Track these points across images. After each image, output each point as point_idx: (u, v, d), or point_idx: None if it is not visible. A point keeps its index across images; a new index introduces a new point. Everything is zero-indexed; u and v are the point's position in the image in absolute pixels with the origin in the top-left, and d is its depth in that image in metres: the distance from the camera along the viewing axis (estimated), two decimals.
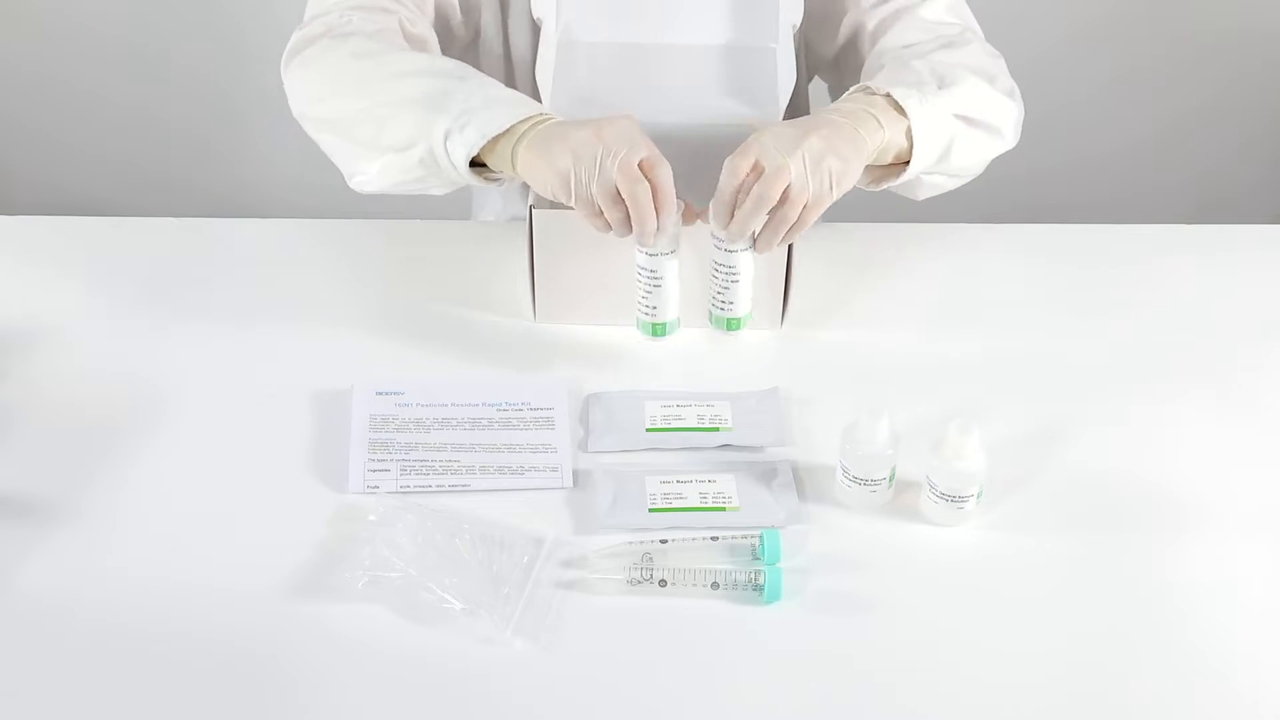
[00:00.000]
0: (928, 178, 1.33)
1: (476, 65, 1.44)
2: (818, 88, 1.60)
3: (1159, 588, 1.17)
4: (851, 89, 1.30)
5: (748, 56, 1.44)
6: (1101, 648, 1.13)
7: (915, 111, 1.26)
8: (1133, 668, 1.11)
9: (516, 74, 1.51)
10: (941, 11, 1.43)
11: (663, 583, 1.15)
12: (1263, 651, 1.13)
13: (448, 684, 1.09)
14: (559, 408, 1.31)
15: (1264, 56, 2.42)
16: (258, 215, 1.56)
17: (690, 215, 1.26)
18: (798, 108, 1.54)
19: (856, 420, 1.20)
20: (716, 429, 1.30)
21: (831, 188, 1.21)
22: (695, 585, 1.15)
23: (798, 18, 1.42)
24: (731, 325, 1.33)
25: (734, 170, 1.20)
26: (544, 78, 1.38)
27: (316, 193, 2.54)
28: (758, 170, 1.21)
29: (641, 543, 1.18)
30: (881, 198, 1.37)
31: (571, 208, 1.22)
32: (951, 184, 1.36)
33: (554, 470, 1.26)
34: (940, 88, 1.29)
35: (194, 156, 2.54)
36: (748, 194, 1.21)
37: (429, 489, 1.23)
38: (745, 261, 1.27)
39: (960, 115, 1.29)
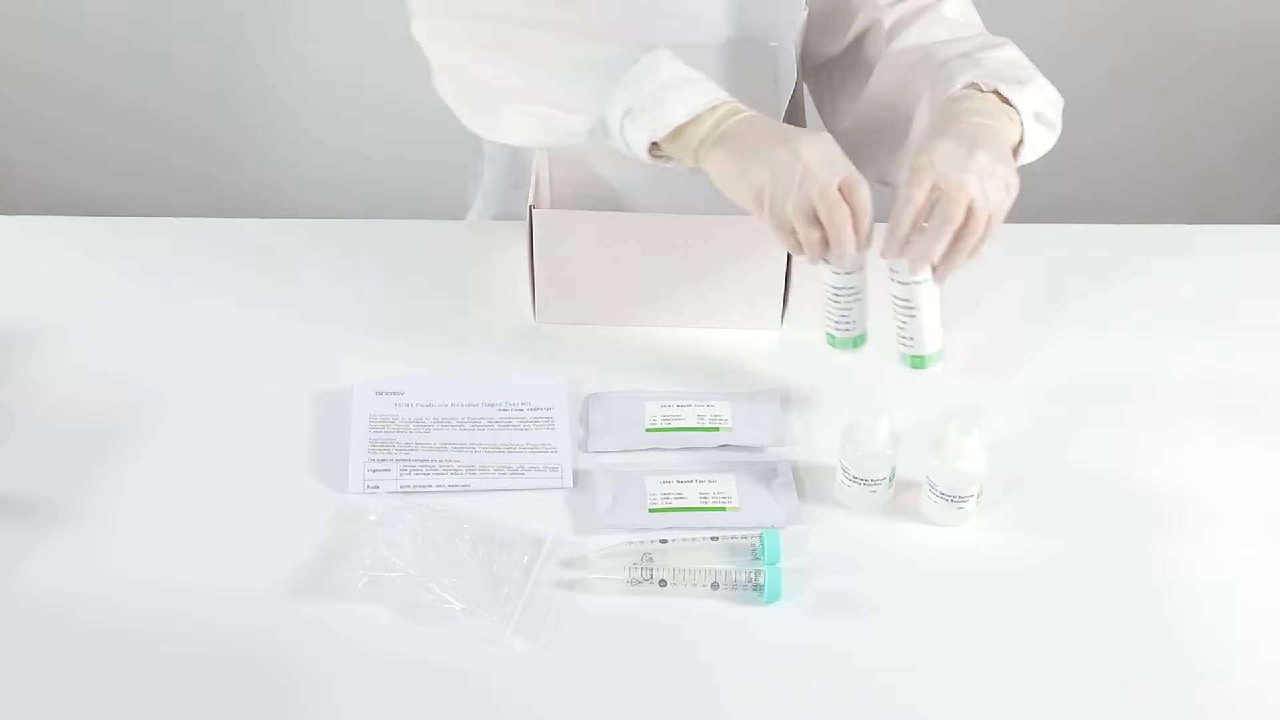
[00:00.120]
0: None
1: None
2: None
3: (1158, 588, 1.17)
4: (953, 87, 1.26)
5: (749, 54, 1.45)
6: (1101, 648, 1.13)
7: (1025, 108, 1.25)
8: (1132, 668, 1.11)
9: None
10: (961, 9, 1.43)
11: (663, 583, 1.15)
12: (1262, 651, 1.13)
13: (448, 684, 1.09)
14: (559, 408, 1.31)
15: (1264, 57, 2.42)
16: (258, 215, 1.56)
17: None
18: (796, 106, 1.53)
19: (856, 420, 1.20)
20: (716, 429, 1.30)
21: (1006, 195, 1.19)
22: (695, 585, 1.15)
23: (799, 15, 1.42)
24: (917, 363, 1.24)
25: (913, 199, 1.16)
26: None
27: (317, 192, 2.56)
28: (933, 194, 1.17)
29: (641, 543, 1.18)
30: (879, 195, 1.37)
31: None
32: None
33: (554, 470, 1.25)
34: (1021, 85, 1.27)
35: (194, 156, 2.54)
36: (927, 220, 1.17)
37: (429, 489, 1.23)
38: (925, 294, 1.20)
39: (1037, 113, 1.28)
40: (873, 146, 1.45)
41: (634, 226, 1.35)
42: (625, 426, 1.30)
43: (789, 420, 1.32)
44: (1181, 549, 1.21)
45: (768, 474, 1.25)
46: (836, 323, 1.25)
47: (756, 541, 1.18)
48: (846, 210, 1.16)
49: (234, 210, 1.62)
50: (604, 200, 1.47)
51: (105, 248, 1.50)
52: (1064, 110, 1.35)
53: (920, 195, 1.16)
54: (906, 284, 1.20)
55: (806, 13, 1.43)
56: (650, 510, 1.22)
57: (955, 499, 1.20)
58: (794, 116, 1.51)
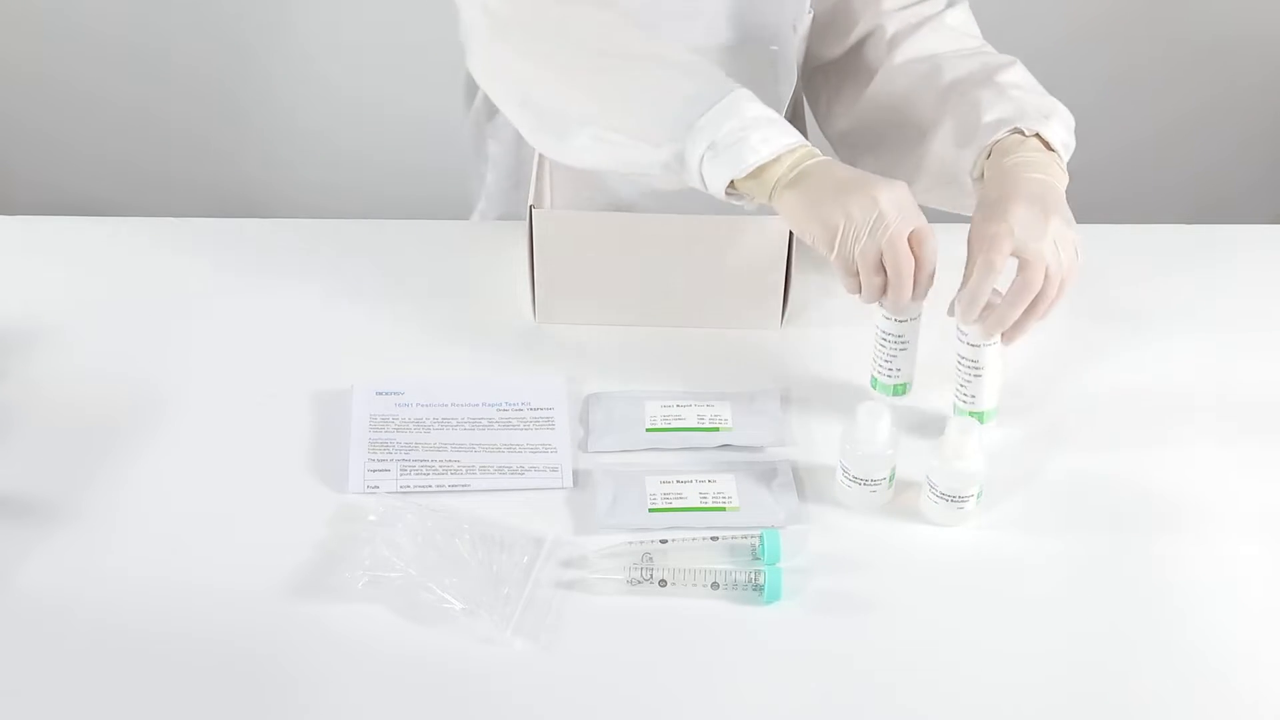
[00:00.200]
0: None
1: None
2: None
3: (1158, 588, 1.17)
4: (995, 133, 1.27)
5: (750, 56, 1.45)
6: (1101, 648, 1.13)
7: (1061, 147, 1.28)
8: (1132, 668, 1.11)
9: None
10: (963, 18, 1.45)
11: (663, 583, 1.15)
12: (1262, 652, 1.13)
13: (448, 684, 1.09)
14: (559, 408, 1.31)
15: (1263, 57, 2.42)
16: (258, 215, 1.56)
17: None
18: (796, 109, 1.53)
19: (856, 420, 1.20)
20: (716, 429, 1.30)
21: (1075, 259, 1.21)
22: (695, 585, 1.15)
23: (802, 19, 1.42)
24: (974, 418, 1.28)
25: (994, 266, 1.18)
26: None
27: (317, 192, 2.56)
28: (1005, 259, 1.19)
29: (641, 543, 1.18)
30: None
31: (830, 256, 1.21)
32: None
33: (554, 470, 1.26)
34: (1048, 119, 1.29)
35: (194, 156, 2.54)
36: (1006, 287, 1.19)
37: (429, 489, 1.23)
38: (991, 355, 1.23)
39: (1065, 143, 1.31)
40: (867, 150, 1.46)
41: (634, 226, 1.35)
42: (625, 426, 1.30)
43: (789, 420, 1.32)
44: (1181, 549, 1.21)
45: (768, 474, 1.25)
46: (881, 368, 1.28)
47: (756, 541, 1.18)
48: (912, 262, 1.18)
49: (234, 210, 1.62)
50: (604, 200, 1.47)
51: (105, 248, 1.50)
52: (1070, 106, 1.35)
53: (1001, 263, 1.18)
54: (976, 346, 1.23)
55: (811, 16, 1.43)
56: (650, 510, 1.22)
57: (955, 499, 1.20)
58: (794, 119, 1.51)
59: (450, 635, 1.12)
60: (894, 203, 1.18)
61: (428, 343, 1.39)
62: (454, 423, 1.29)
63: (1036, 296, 1.19)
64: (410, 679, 1.09)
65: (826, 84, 1.52)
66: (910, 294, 1.20)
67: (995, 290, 1.20)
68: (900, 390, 1.28)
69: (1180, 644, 1.13)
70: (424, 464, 1.25)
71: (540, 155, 1.40)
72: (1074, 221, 1.21)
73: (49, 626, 1.12)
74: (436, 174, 2.20)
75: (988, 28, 1.48)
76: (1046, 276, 1.19)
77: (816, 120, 1.55)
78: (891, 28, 1.42)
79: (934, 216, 1.45)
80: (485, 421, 1.30)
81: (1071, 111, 1.33)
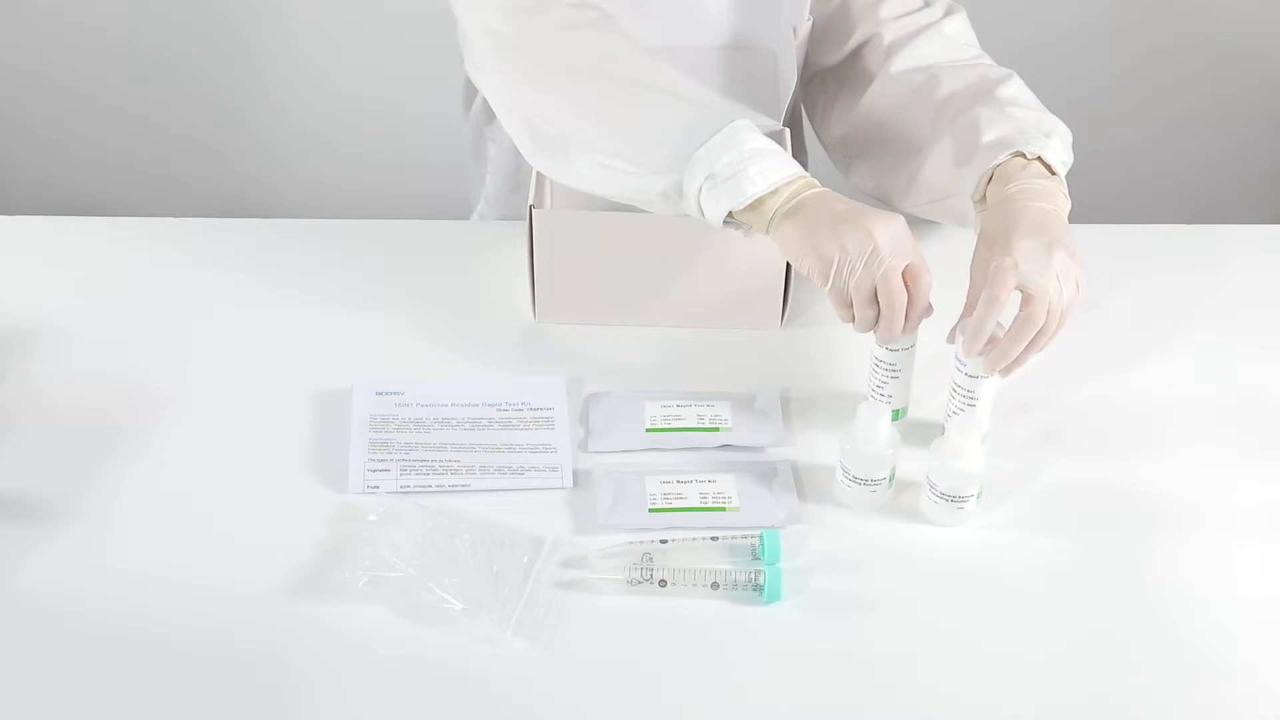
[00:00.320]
0: None
1: None
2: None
3: (1158, 588, 1.17)
4: (996, 156, 1.27)
5: (749, 58, 1.45)
6: (1101, 648, 1.13)
7: (1061, 169, 1.28)
8: (1132, 668, 1.11)
9: None
10: (961, 27, 1.44)
11: (663, 583, 1.15)
12: (1262, 652, 1.13)
13: (448, 684, 1.09)
14: (559, 408, 1.31)
15: (1263, 58, 2.42)
16: (258, 215, 1.56)
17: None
18: (796, 110, 1.53)
19: (856, 420, 1.20)
20: (716, 429, 1.30)
21: (1076, 292, 1.21)
22: (695, 585, 1.15)
23: (800, 20, 1.42)
24: None
25: (998, 301, 1.17)
26: None
27: (317, 193, 2.56)
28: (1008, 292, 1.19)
29: (641, 543, 1.18)
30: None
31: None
32: None
33: (554, 470, 1.25)
34: (1048, 137, 1.30)
35: (194, 157, 2.54)
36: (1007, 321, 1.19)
37: (429, 489, 1.23)
38: (988, 385, 1.23)
39: (1064, 161, 1.31)
40: (862, 158, 1.46)
41: (634, 226, 1.35)
42: (625, 426, 1.30)
43: (789, 420, 1.32)
44: (1181, 549, 1.21)
45: (768, 474, 1.25)
46: (874, 392, 1.28)
47: (756, 541, 1.18)
48: (905, 296, 1.19)
49: (234, 211, 1.62)
50: (604, 201, 1.47)
51: (105, 248, 1.50)
52: (1065, 110, 1.35)
53: (1005, 298, 1.18)
54: (974, 377, 1.23)
55: (810, 22, 1.43)
56: (650, 510, 1.22)
57: (955, 499, 1.20)
58: (793, 122, 1.51)
59: (450, 635, 1.12)
60: (889, 237, 1.18)
61: (428, 343, 1.39)
62: (454, 423, 1.29)
63: (1040, 331, 1.19)
64: (410, 679, 1.09)
65: (824, 90, 1.52)
66: (902, 328, 1.20)
67: (998, 323, 1.20)
68: (895, 415, 1.28)
69: (1180, 644, 1.13)
70: (424, 464, 1.25)
71: None
72: (1077, 253, 1.21)
73: (49, 626, 1.12)
74: (436, 174, 2.20)
75: (988, 28, 1.48)
76: (1049, 311, 1.19)
77: (813, 126, 1.55)
78: (889, 35, 1.42)
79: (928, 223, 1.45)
80: (485, 421, 1.30)
81: (1071, 111, 1.33)
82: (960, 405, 1.24)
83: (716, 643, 1.13)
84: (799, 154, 1.47)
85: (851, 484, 1.22)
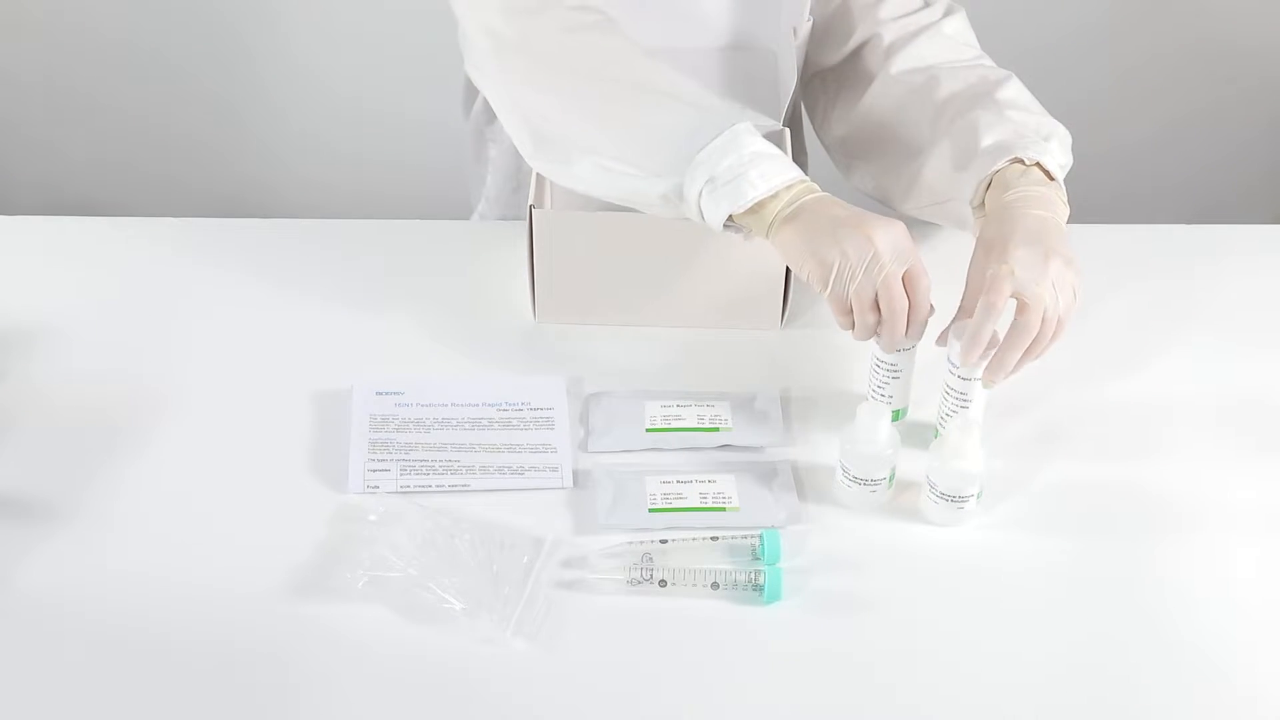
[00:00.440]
0: None
1: None
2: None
3: (1158, 588, 1.17)
4: (994, 162, 1.27)
5: (749, 59, 1.45)
6: (1101, 648, 1.13)
7: (1060, 174, 1.28)
8: (1132, 668, 1.11)
9: None
10: (960, 27, 1.44)
11: (663, 583, 1.15)
12: (1261, 652, 1.13)
13: (448, 684, 1.09)
14: (559, 408, 1.31)
15: (1263, 58, 2.42)
16: (258, 215, 1.56)
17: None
18: (796, 111, 1.53)
19: (856, 420, 1.20)
20: (716, 429, 1.30)
21: (1073, 300, 1.21)
22: (695, 585, 1.15)
23: (800, 20, 1.42)
24: None
25: (995, 308, 1.18)
26: None
27: (317, 192, 2.56)
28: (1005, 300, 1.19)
29: (641, 543, 1.18)
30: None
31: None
32: None
33: (554, 470, 1.26)
34: (1046, 141, 1.30)
35: (194, 157, 2.54)
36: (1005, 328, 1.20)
37: (429, 489, 1.23)
38: (980, 390, 1.23)
39: (1062, 165, 1.31)
40: (862, 159, 1.46)
41: (634, 226, 1.35)
42: (625, 426, 1.30)
43: (789, 420, 1.32)
44: (1180, 549, 1.21)
45: (768, 474, 1.25)
46: (875, 393, 1.28)
47: (756, 541, 1.18)
48: (906, 302, 1.19)
49: (234, 211, 1.62)
50: (604, 201, 1.47)
51: (105, 248, 1.50)
52: (1065, 110, 1.35)
53: (1002, 305, 1.18)
54: (966, 380, 1.23)
55: (810, 23, 1.43)
56: (650, 510, 1.22)
57: (955, 499, 1.20)
58: (793, 122, 1.51)
59: (450, 635, 1.12)
60: (889, 243, 1.18)
61: (428, 343, 1.39)
62: (454, 423, 1.29)
63: (1036, 339, 1.20)
64: (410, 679, 1.09)
65: (824, 90, 1.52)
66: (903, 334, 1.20)
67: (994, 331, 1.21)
68: (895, 416, 1.28)
69: (1179, 644, 1.13)
70: (424, 464, 1.25)
71: None
72: (1074, 260, 1.21)
73: (49, 626, 1.12)
74: (436, 174, 2.20)
75: (988, 28, 1.48)
76: (1045, 320, 1.19)
77: (814, 127, 1.55)
78: (889, 36, 1.42)
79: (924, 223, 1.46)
80: (485, 421, 1.30)
81: (1071, 112, 1.33)
82: (954, 408, 1.24)
83: (716, 643, 1.13)
84: (799, 155, 1.47)
85: (851, 484, 1.22)
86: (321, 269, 1.47)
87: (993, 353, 1.20)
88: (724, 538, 1.19)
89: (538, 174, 1.38)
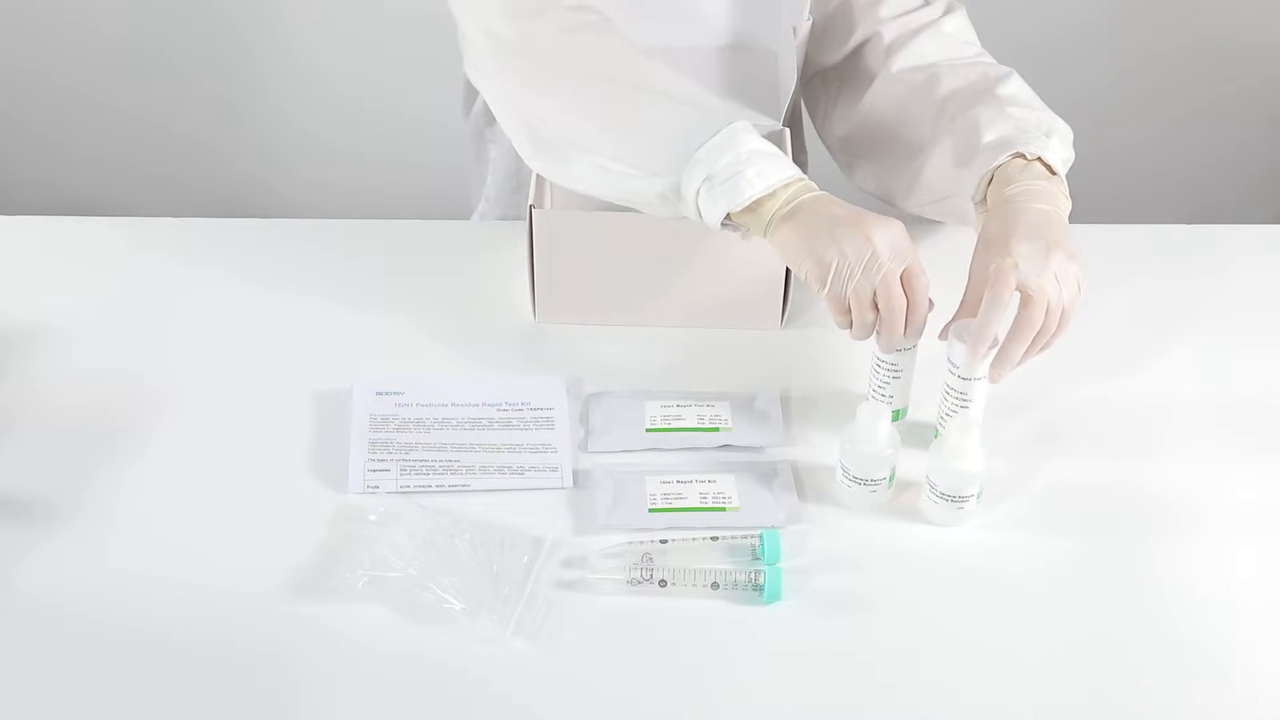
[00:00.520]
0: None
1: None
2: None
3: (1158, 588, 1.17)
4: (996, 157, 1.27)
5: (748, 58, 1.44)
6: (1101, 648, 1.13)
7: (1062, 168, 1.28)
8: (1132, 668, 1.11)
9: None
10: (960, 25, 1.44)
11: (663, 583, 1.15)
12: (1261, 652, 1.13)
13: (448, 684, 1.09)
14: (559, 408, 1.31)
15: (1263, 58, 2.42)
16: (258, 215, 1.56)
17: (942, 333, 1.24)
18: (796, 110, 1.53)
19: (856, 420, 1.20)
20: (716, 429, 1.30)
21: (1078, 292, 1.21)
22: (695, 585, 1.15)
23: (800, 19, 1.42)
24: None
25: (1001, 301, 1.18)
26: None
27: (317, 192, 2.56)
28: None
29: (641, 543, 1.18)
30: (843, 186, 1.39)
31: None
32: None
33: (554, 470, 1.26)
34: (1048, 137, 1.30)
35: (194, 157, 2.54)
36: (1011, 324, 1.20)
37: (429, 489, 1.23)
38: (980, 388, 1.24)
39: (1065, 159, 1.31)
40: (864, 158, 1.46)
41: (634, 226, 1.35)
42: (625, 426, 1.30)
43: (789, 420, 1.32)
44: (1180, 549, 1.21)
45: (768, 474, 1.25)
46: (875, 393, 1.28)
47: (756, 541, 1.18)
48: (904, 301, 1.19)
49: (234, 211, 1.62)
50: (604, 201, 1.47)
51: (105, 248, 1.50)
52: (1065, 109, 1.35)
53: (1008, 299, 1.19)
54: (966, 379, 1.23)
55: (810, 22, 1.43)
56: (650, 510, 1.22)
57: (955, 499, 1.20)
58: (793, 122, 1.51)
59: (450, 635, 1.12)
60: (888, 242, 1.18)
61: (428, 343, 1.39)
62: (454, 423, 1.29)
63: (1040, 331, 1.20)
64: (410, 679, 1.09)
65: (825, 90, 1.51)
66: (902, 333, 1.20)
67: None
68: (895, 416, 1.28)
69: (1179, 644, 1.13)
70: (424, 464, 1.25)
71: None
72: (1077, 254, 1.21)
73: (49, 626, 1.12)
74: (436, 174, 2.20)
75: (988, 28, 1.48)
76: (1049, 312, 1.19)
77: (815, 126, 1.55)
78: (889, 34, 1.42)
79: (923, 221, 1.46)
80: (485, 421, 1.30)
81: (1071, 111, 1.33)
82: (953, 407, 1.24)
83: (716, 643, 1.13)
84: (799, 154, 1.47)
85: (851, 484, 1.22)
86: (321, 269, 1.47)
87: (995, 350, 1.20)
88: (724, 538, 1.19)
89: (538, 174, 1.38)
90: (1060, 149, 1.30)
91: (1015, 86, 1.36)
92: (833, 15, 1.46)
